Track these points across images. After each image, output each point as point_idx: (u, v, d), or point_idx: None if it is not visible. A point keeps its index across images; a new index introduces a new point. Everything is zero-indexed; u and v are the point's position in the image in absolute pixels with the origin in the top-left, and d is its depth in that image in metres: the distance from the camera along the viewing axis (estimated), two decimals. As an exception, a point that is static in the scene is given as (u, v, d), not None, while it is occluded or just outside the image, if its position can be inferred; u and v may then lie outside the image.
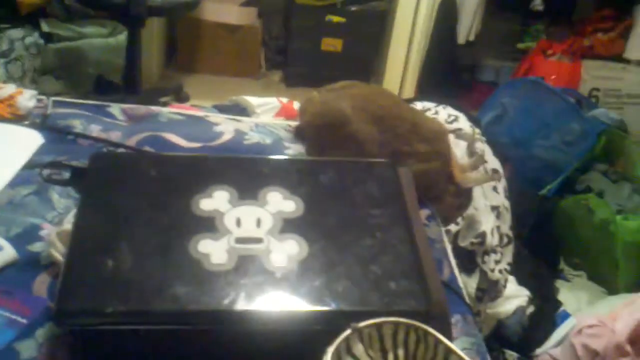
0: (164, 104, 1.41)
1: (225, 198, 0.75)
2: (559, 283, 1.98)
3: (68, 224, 0.77)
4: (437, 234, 1.01)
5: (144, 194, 0.74)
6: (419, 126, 1.02)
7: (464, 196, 1.03)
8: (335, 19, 3.10)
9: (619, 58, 3.05)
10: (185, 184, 0.76)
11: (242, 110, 1.46)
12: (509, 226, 1.31)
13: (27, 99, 1.12)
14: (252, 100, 1.48)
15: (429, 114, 1.35)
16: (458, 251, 1.21)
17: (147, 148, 1.06)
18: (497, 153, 1.39)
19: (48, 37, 2.51)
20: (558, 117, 2.25)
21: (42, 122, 1.09)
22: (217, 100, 1.65)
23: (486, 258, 1.23)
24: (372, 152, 0.97)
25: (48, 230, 0.83)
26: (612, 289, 1.98)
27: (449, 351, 0.58)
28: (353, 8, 3.10)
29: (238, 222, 0.72)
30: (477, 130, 1.36)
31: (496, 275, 1.23)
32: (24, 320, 0.68)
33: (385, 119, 0.99)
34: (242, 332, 0.65)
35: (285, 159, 0.86)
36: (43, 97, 1.17)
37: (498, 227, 1.27)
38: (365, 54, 3.18)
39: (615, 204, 2.04)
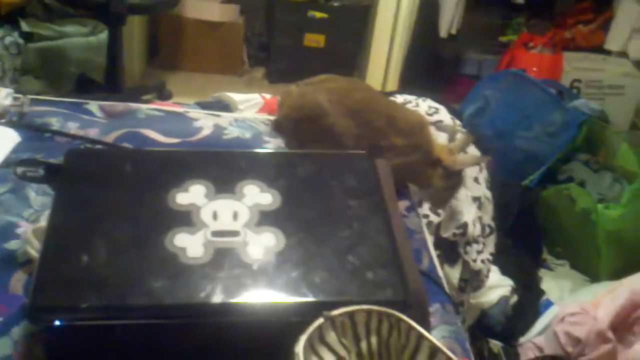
0: (147, 102, 1.41)
1: (202, 192, 0.75)
2: (542, 272, 2.00)
3: (44, 222, 0.76)
4: (416, 225, 1.02)
5: (120, 190, 0.74)
6: (396, 120, 1.02)
7: (454, 177, 1.03)
8: (318, 14, 3.10)
9: (599, 49, 3.08)
10: (161, 178, 0.76)
11: (224, 107, 1.46)
12: (491, 217, 1.31)
13: (2, 97, 1.11)
14: (235, 96, 1.48)
15: (409, 106, 1.35)
16: (441, 242, 1.21)
17: (125, 144, 1.05)
18: (479, 145, 1.39)
19: (28, 37, 2.49)
20: (540, 108, 2.27)
21: (19, 120, 1.08)
22: (200, 97, 1.64)
23: (468, 248, 1.23)
24: (348, 146, 0.97)
25: (24, 228, 0.82)
26: (594, 277, 2.00)
27: (421, 337, 0.58)
28: (335, 3, 3.10)
29: (214, 216, 0.72)
30: (458, 122, 1.37)
31: (478, 265, 1.24)
32: (0, 318, 0.68)
33: (362, 113, 0.99)
34: (219, 325, 0.65)
35: (261, 152, 0.86)
36: (20, 95, 1.16)
37: (480, 218, 1.28)
38: (348, 49, 3.18)
39: (596, 194, 2.05)
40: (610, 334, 1.51)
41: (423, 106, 1.36)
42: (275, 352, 0.64)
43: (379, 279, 0.69)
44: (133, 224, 0.70)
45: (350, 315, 0.59)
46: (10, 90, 1.15)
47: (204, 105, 1.46)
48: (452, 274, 1.23)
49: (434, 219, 1.17)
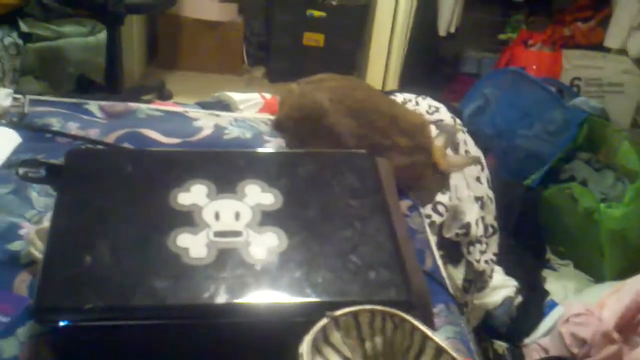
0: (147, 102, 1.40)
1: (203, 192, 0.74)
2: (546, 272, 1.99)
3: (47, 222, 0.76)
4: (419, 225, 1.01)
5: (121, 190, 0.74)
6: (398, 119, 1.02)
7: (444, 179, 1.04)
8: (317, 13, 3.10)
9: (599, 47, 3.07)
10: (162, 179, 0.76)
11: (225, 107, 1.46)
12: (493, 216, 1.31)
13: (2, 98, 1.11)
14: (235, 96, 1.47)
15: (409, 105, 1.35)
16: (444, 242, 1.21)
17: (126, 145, 1.05)
18: (480, 144, 1.39)
19: (27, 37, 2.48)
20: (540, 106, 2.26)
21: (20, 121, 1.08)
22: (200, 97, 1.64)
23: (471, 249, 1.23)
24: (350, 145, 0.97)
25: (27, 229, 0.82)
26: (598, 277, 1.99)
27: (426, 337, 0.58)
28: (334, 2, 3.10)
29: (217, 216, 0.72)
30: (458, 121, 1.37)
31: (482, 265, 1.23)
32: (5, 319, 0.68)
33: (363, 113, 0.99)
34: (222, 326, 0.65)
35: (263, 152, 0.86)
36: (20, 95, 1.16)
37: (482, 218, 1.27)
38: (347, 48, 3.17)
39: (599, 193, 2.05)
40: (615, 335, 1.51)
41: (423, 105, 1.36)
42: (278, 352, 0.64)
43: (381, 279, 0.69)
44: (135, 224, 0.69)
45: (354, 315, 0.59)
46: (10, 91, 1.15)
47: (204, 105, 1.46)
48: (455, 275, 1.23)
49: (437, 218, 1.16)
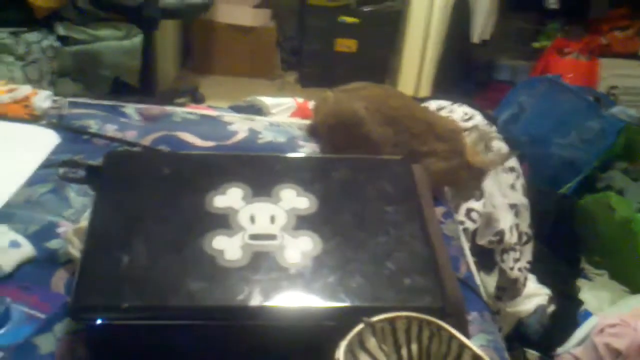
0: (180, 106, 1.42)
1: (239, 195, 0.75)
2: (581, 282, 1.96)
3: (85, 222, 0.77)
4: (453, 232, 1.01)
5: (158, 192, 0.74)
6: (434, 126, 1.01)
7: (482, 176, 1.04)
8: (349, 19, 3.10)
9: (636, 56, 3.02)
10: (199, 181, 0.76)
11: (257, 111, 1.46)
12: (528, 224, 1.29)
13: (42, 99, 1.14)
14: (268, 100, 1.48)
15: (444, 112, 1.34)
16: (477, 249, 1.20)
17: (162, 147, 1.06)
18: (515, 151, 1.38)
19: (64, 40, 2.53)
20: (576, 115, 2.23)
21: (58, 122, 1.10)
22: (233, 101, 1.65)
23: (505, 256, 1.21)
24: (387, 153, 0.96)
25: (65, 228, 0.84)
26: (634, 288, 1.95)
27: (462, 346, 0.58)
28: (366, 9, 3.09)
29: (252, 219, 0.72)
30: (493, 128, 1.35)
31: (515, 273, 1.22)
32: (42, 316, 0.69)
33: (400, 120, 0.99)
34: (256, 328, 0.65)
35: (298, 157, 0.86)
36: (58, 97, 1.18)
37: (517, 225, 1.26)
38: (379, 54, 3.17)
39: (636, 202, 2.01)
40: (651, 347, 1.48)
41: (458, 112, 1.35)
42: (311, 356, 0.64)
43: (416, 285, 0.68)
44: (172, 225, 0.70)
45: (391, 321, 0.59)
46: (49, 93, 1.17)
47: (237, 109, 1.47)
48: (488, 282, 1.21)
49: (470, 225, 1.15)
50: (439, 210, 1.02)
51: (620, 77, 2.93)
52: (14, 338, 0.66)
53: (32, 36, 2.40)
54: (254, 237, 0.70)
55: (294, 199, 0.76)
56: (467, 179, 1.02)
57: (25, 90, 1.13)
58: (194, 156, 0.88)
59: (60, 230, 0.84)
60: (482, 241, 1.19)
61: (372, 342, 0.58)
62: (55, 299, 0.72)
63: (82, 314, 0.62)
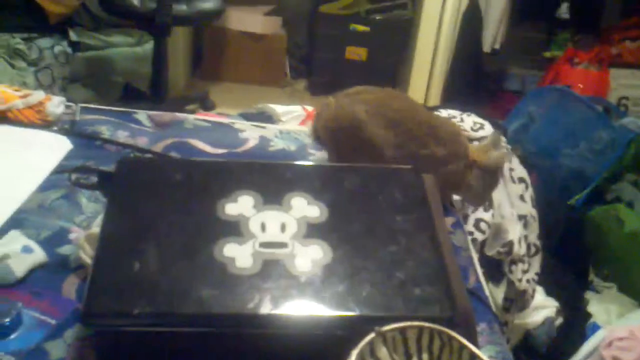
0: (190, 112, 1.43)
1: (250, 203, 0.75)
2: (589, 294, 1.94)
3: (96, 228, 0.78)
4: (462, 242, 1.01)
5: (170, 198, 0.75)
6: (436, 128, 1.01)
7: (489, 175, 1.02)
8: (360, 27, 3.11)
9: (648, 66, 3.02)
10: (210, 188, 0.77)
11: (267, 118, 1.47)
12: (536, 236, 1.29)
13: (55, 105, 1.14)
14: (277, 108, 1.49)
15: (454, 121, 1.34)
16: (485, 260, 1.20)
17: (173, 154, 1.07)
18: (524, 162, 1.38)
19: (76, 46, 2.55)
20: (586, 125, 2.22)
21: (71, 128, 1.11)
22: (243, 108, 1.66)
23: (513, 267, 1.21)
24: (388, 156, 0.96)
25: (77, 234, 0.84)
26: (644, 301, 1.94)
27: (473, 356, 0.58)
28: (377, 17, 3.10)
29: (263, 227, 0.72)
30: (503, 138, 1.35)
31: (523, 285, 1.21)
32: (53, 321, 0.69)
33: (401, 122, 0.99)
34: (266, 336, 0.65)
35: (309, 165, 0.87)
36: (71, 103, 1.19)
37: (525, 237, 1.26)
38: (389, 63, 3.17)
39: (646, 215, 2.00)
40: (661, 361, 1.47)
41: (468, 121, 1.35)
42: (320, 365, 0.64)
43: (426, 295, 0.68)
44: (183, 232, 0.70)
45: (402, 331, 0.59)
46: (62, 99, 1.18)
47: (247, 117, 1.48)
48: (496, 294, 1.21)
49: (479, 236, 1.15)
50: (449, 220, 1.02)
51: (631, 87, 2.92)
52: (26, 343, 0.66)
53: (44, 42, 2.42)
54: (264, 245, 0.70)
55: (304, 207, 0.76)
56: (474, 182, 1.01)
57: (38, 95, 1.14)
58: (206, 163, 0.89)
59: (71, 236, 0.84)
60: (490, 252, 1.18)
61: (383, 352, 0.58)
62: (66, 304, 0.73)
63: (92, 320, 0.62)
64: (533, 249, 1.27)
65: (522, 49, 3.30)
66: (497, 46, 3.02)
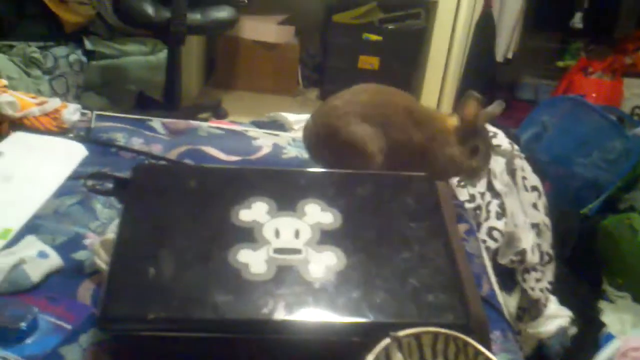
0: (203, 120, 1.44)
1: (264, 209, 0.76)
2: (603, 304, 1.93)
3: (111, 234, 0.79)
4: (475, 249, 1.00)
5: (185, 204, 0.75)
6: (413, 112, 1.00)
7: (480, 140, 1.01)
8: (372, 37, 3.12)
9: (661, 76, 3.00)
10: (224, 195, 0.77)
11: (279, 127, 1.48)
12: (549, 244, 1.28)
13: (71, 112, 1.16)
14: (290, 116, 1.49)
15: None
16: (498, 269, 1.19)
17: (187, 161, 1.08)
18: (537, 170, 1.37)
19: (91, 55, 2.58)
20: (599, 135, 2.21)
21: (86, 135, 1.12)
22: (255, 116, 1.67)
23: (526, 276, 1.21)
24: (371, 149, 0.96)
25: (92, 240, 0.85)
26: (658, 311, 1.92)
27: (489, 363, 0.57)
28: (390, 26, 3.11)
29: (277, 233, 0.73)
30: (516, 147, 1.35)
31: (537, 293, 1.21)
32: (69, 326, 0.70)
33: (377, 112, 0.98)
34: (280, 342, 0.66)
35: (322, 172, 0.87)
36: (86, 111, 1.20)
37: (538, 245, 1.25)
38: (402, 72, 3.18)
39: (660, 225, 1.98)
40: (676, 371, 1.45)
41: (481, 130, 1.35)
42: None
43: (440, 302, 0.68)
44: (198, 238, 0.71)
45: (417, 336, 0.59)
46: (78, 106, 1.19)
47: (259, 125, 1.48)
48: (509, 303, 1.20)
49: (491, 244, 1.15)
50: (462, 227, 1.02)
51: (645, 97, 2.91)
52: (42, 348, 0.67)
53: (60, 50, 2.45)
54: (278, 251, 0.71)
55: (318, 214, 0.76)
56: (463, 153, 0.99)
57: (55, 103, 1.16)
58: (220, 170, 0.90)
59: (86, 241, 0.85)
60: (503, 260, 1.18)
61: (398, 357, 0.58)
62: (81, 309, 0.73)
63: (109, 325, 0.63)
64: (546, 258, 1.26)
65: (535, 59, 3.29)
66: (510, 55, 3.02)
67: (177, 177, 0.80)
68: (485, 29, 2.89)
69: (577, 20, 3.14)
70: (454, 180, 1.20)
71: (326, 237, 0.73)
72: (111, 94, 2.66)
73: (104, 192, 0.79)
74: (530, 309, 1.23)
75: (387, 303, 0.67)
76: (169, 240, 0.70)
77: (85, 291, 0.76)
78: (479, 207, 1.18)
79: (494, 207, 1.20)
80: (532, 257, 1.19)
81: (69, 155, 1.03)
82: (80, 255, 0.82)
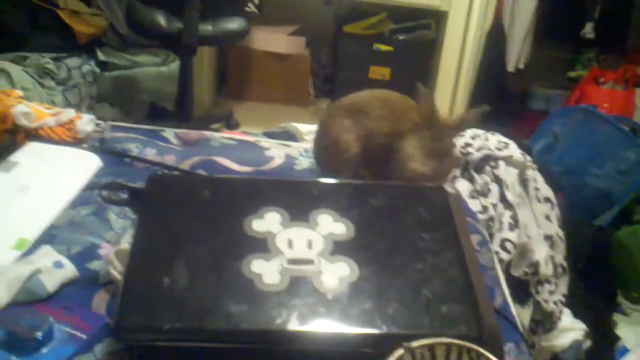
0: (215, 131, 1.44)
1: (277, 219, 0.76)
2: (617, 317, 1.91)
3: (125, 244, 0.79)
4: (488, 261, 1.00)
5: (199, 215, 0.76)
6: (391, 103, 1.06)
7: (446, 142, 1.04)
8: (383, 47, 3.12)
9: (674, 86, 2.98)
10: (237, 205, 0.78)
11: (291, 137, 1.48)
12: (563, 256, 1.27)
13: (85, 123, 1.17)
14: (301, 127, 1.50)
15: (478, 140, 1.34)
16: (510, 281, 1.18)
17: (200, 171, 1.08)
18: (550, 181, 1.37)
19: (104, 66, 2.60)
20: (612, 145, 2.20)
21: (100, 146, 1.13)
22: (267, 127, 1.67)
23: (540, 288, 1.20)
24: (349, 142, 1.02)
25: (106, 250, 0.85)
26: (673, 324, 1.90)
27: (504, 375, 0.57)
28: (400, 37, 3.11)
29: (289, 244, 0.73)
30: (528, 158, 1.34)
31: (550, 306, 1.20)
32: (84, 336, 0.70)
33: (360, 108, 1.04)
34: (293, 352, 0.66)
35: (334, 182, 0.87)
36: (100, 121, 1.21)
37: (552, 257, 1.24)
38: (413, 82, 3.17)
39: (675, 236, 1.97)
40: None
41: (492, 140, 1.34)
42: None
43: (453, 313, 0.68)
44: (212, 248, 0.71)
45: (430, 347, 0.59)
46: (92, 117, 1.20)
47: (271, 135, 1.49)
48: (522, 315, 1.19)
49: (504, 256, 1.14)
50: (475, 238, 1.02)
51: (658, 107, 2.89)
52: (57, 357, 0.67)
53: (73, 61, 2.47)
54: (291, 261, 0.71)
55: (330, 225, 0.77)
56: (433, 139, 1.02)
57: (69, 113, 1.17)
58: (233, 180, 0.90)
59: (101, 251, 0.86)
60: (516, 272, 1.17)
61: (410, 369, 0.58)
62: (96, 319, 0.74)
63: (123, 334, 0.63)
64: (560, 270, 1.25)
65: (546, 69, 3.29)
66: (521, 65, 3.01)
67: (191, 188, 0.81)
68: (496, 39, 2.89)
69: (589, 30, 3.14)
70: (463, 189, 1.20)
71: (339, 248, 0.74)
72: (123, 105, 2.68)
73: (119, 202, 0.79)
74: (544, 322, 1.22)
75: (400, 314, 0.67)
76: (184, 250, 0.70)
77: (100, 301, 0.77)
78: (491, 219, 1.17)
79: (506, 218, 1.19)
80: (546, 269, 1.18)
81: (84, 165, 1.04)
82: (95, 265, 0.83)
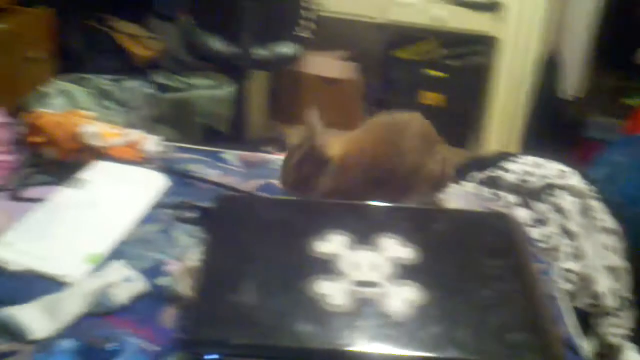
0: (267, 153, 1.47)
1: (343, 242, 0.77)
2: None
3: (189, 261, 0.81)
4: (552, 290, 0.98)
5: (266, 235, 0.78)
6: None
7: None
8: (434, 73, 3.13)
9: None
10: (303, 227, 0.79)
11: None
12: (629, 289, 1.24)
13: (151, 143, 1.20)
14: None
15: (539, 169, 1.32)
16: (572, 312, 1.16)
17: (262, 193, 1.10)
18: (612, 212, 1.34)
19: (161, 88, 2.67)
20: (676, 176, 2.14)
21: (166, 166, 1.16)
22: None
23: (603, 321, 1.17)
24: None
25: (173, 266, 0.87)
26: None
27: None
28: (453, 63, 3.11)
29: (355, 266, 0.74)
30: (590, 187, 1.32)
31: (614, 340, 1.17)
32: (154, 349, 0.72)
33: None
34: (360, 373, 0.66)
35: (399, 206, 0.88)
36: (165, 142, 1.24)
37: (616, 289, 1.21)
38: (465, 108, 3.16)
39: None
40: None
41: (554, 169, 1.33)
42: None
43: (520, 341, 0.68)
44: (279, 268, 0.73)
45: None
46: (157, 137, 1.24)
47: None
48: (585, 347, 1.17)
49: (566, 286, 1.12)
50: (538, 267, 1.00)
51: None
52: (129, 369, 0.69)
53: (131, 83, 2.55)
54: (357, 283, 0.72)
55: (396, 248, 0.77)
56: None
57: (135, 134, 1.20)
58: (299, 202, 0.92)
59: (168, 268, 0.88)
60: (578, 303, 1.15)
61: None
62: (165, 333, 0.76)
63: (195, 348, 0.65)
64: (625, 303, 1.22)
65: (603, 96, 3.23)
66: (577, 93, 2.97)
67: (258, 208, 0.83)
68: (552, 65, 2.86)
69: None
70: (523, 218, 1.18)
71: (404, 272, 0.74)
72: (180, 127, 2.74)
73: (190, 221, 0.82)
74: (607, 356, 1.19)
75: (468, 339, 0.66)
76: (252, 269, 0.72)
77: (168, 316, 0.79)
78: (553, 248, 1.16)
79: (567, 248, 1.18)
80: (609, 301, 1.16)
81: (151, 184, 1.07)
82: (162, 280, 0.85)
